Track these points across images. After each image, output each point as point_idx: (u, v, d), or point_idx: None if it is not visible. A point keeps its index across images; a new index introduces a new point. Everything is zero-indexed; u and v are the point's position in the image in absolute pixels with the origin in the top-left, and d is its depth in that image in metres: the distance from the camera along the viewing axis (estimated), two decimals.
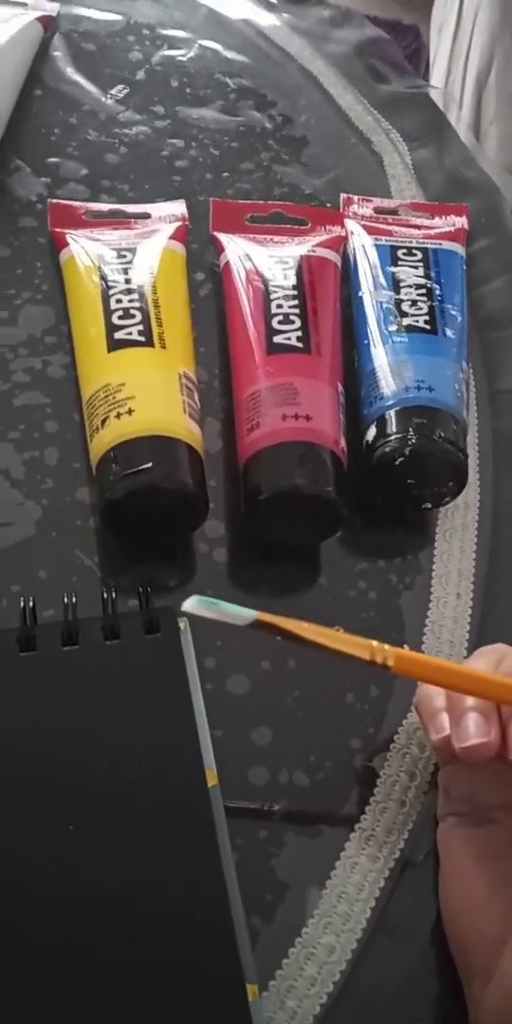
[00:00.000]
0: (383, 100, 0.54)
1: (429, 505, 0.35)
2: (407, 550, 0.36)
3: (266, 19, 0.57)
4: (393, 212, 0.45)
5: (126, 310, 0.35)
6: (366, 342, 0.37)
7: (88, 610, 0.29)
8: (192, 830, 0.26)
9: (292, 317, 0.36)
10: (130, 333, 0.34)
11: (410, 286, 0.39)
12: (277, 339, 0.35)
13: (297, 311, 0.36)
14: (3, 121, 0.44)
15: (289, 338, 0.35)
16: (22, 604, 0.29)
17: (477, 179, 0.50)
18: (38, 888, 0.25)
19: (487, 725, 0.25)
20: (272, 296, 0.37)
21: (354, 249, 0.41)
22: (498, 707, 0.26)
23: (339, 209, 0.44)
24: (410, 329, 0.37)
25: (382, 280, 0.39)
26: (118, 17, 0.54)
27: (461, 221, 0.44)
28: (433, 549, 0.36)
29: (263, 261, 0.39)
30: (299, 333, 0.36)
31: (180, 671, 0.28)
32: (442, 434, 0.33)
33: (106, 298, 0.36)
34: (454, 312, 0.38)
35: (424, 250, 0.41)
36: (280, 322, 0.36)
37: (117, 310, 0.35)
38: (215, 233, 0.41)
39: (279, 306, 0.37)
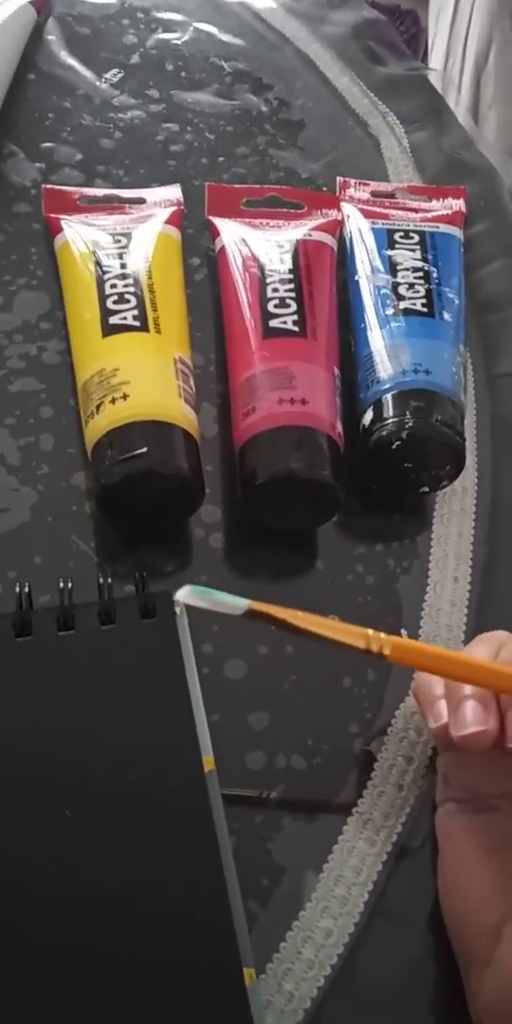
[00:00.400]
0: (380, 83, 0.53)
1: (427, 489, 0.35)
2: (405, 534, 0.36)
3: (262, 1, 0.57)
4: (390, 195, 0.44)
5: (121, 295, 0.35)
6: (363, 326, 0.37)
7: (84, 595, 0.29)
8: (189, 815, 0.26)
9: (288, 301, 0.36)
10: (125, 318, 0.34)
11: (407, 269, 0.39)
12: (273, 323, 0.35)
13: (293, 295, 0.36)
14: None
15: (285, 322, 0.35)
16: (18, 589, 0.29)
17: (475, 162, 0.50)
18: (33, 874, 0.25)
19: (485, 713, 0.25)
20: (268, 280, 0.37)
21: (351, 233, 0.41)
22: (497, 695, 0.26)
23: (336, 193, 0.44)
24: (407, 312, 0.37)
25: (379, 264, 0.39)
26: (112, 0, 0.54)
27: (459, 204, 0.44)
28: (431, 533, 0.36)
29: (259, 245, 0.39)
30: (295, 317, 0.35)
31: (176, 656, 0.28)
32: (439, 417, 0.33)
33: (101, 283, 0.35)
34: (451, 295, 0.38)
35: (421, 233, 0.41)
36: (276, 306, 0.36)
37: (112, 295, 0.35)
38: (211, 218, 0.41)
39: (275, 290, 0.36)
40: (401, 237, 0.40)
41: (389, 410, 0.34)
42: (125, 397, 0.31)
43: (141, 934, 0.24)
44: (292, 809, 0.29)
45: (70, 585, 0.29)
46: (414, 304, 0.37)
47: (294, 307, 0.36)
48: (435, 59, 0.94)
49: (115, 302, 0.35)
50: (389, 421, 0.33)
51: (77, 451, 0.35)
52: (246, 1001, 0.24)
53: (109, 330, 0.34)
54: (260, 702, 0.31)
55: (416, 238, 0.40)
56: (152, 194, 0.42)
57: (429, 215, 0.43)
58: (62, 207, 0.40)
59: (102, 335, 0.34)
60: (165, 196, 0.42)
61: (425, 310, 0.37)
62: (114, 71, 0.50)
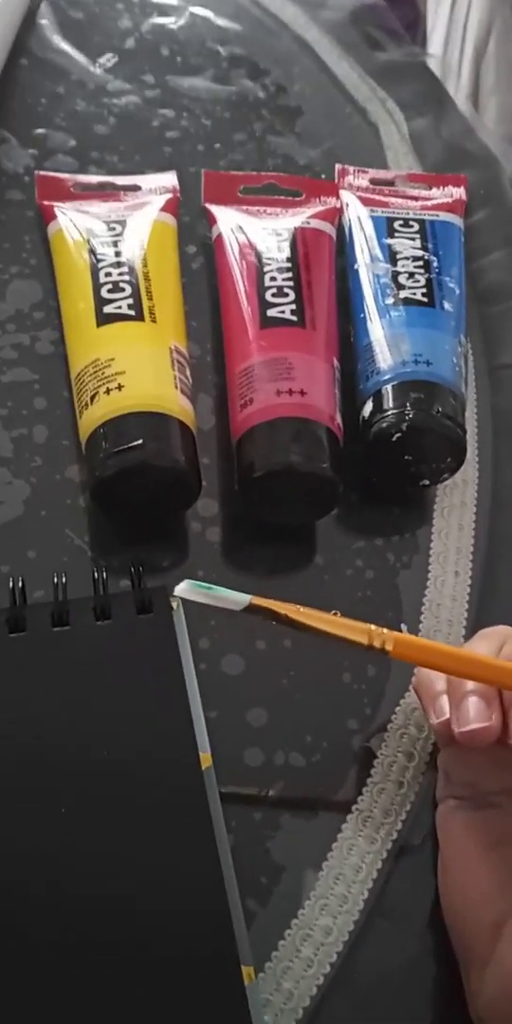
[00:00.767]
0: (379, 69, 0.53)
1: (427, 482, 0.35)
2: (405, 528, 0.35)
3: None
4: (390, 183, 0.44)
5: (116, 283, 0.34)
6: (362, 315, 0.36)
7: (79, 590, 0.29)
8: (186, 813, 0.26)
9: (286, 290, 0.35)
10: (120, 307, 0.33)
11: (407, 258, 0.38)
12: (271, 313, 0.35)
13: (291, 284, 0.36)
14: None
15: (283, 312, 0.35)
16: (11, 584, 0.28)
17: (476, 149, 0.49)
18: (29, 873, 0.24)
19: (488, 709, 0.25)
20: (265, 269, 0.36)
21: (350, 221, 0.40)
22: (499, 691, 0.25)
23: (334, 180, 0.43)
24: (407, 302, 0.36)
25: (378, 252, 0.38)
26: None
27: (459, 192, 0.43)
28: (431, 527, 0.35)
29: (256, 233, 0.38)
30: (293, 307, 0.35)
31: (173, 652, 0.28)
32: (440, 409, 0.33)
33: (95, 272, 0.35)
34: (452, 285, 0.37)
35: (421, 222, 0.40)
36: (274, 295, 0.35)
37: (106, 284, 0.34)
38: (207, 205, 0.40)
39: (273, 279, 0.36)
40: (401, 225, 0.40)
41: (389, 401, 0.33)
42: (120, 387, 0.31)
43: (139, 933, 0.24)
44: (291, 807, 0.29)
45: (64, 580, 0.29)
46: (414, 294, 0.36)
47: (292, 296, 0.35)
48: (434, 46, 0.93)
49: (110, 291, 0.34)
50: (389, 413, 0.33)
51: (71, 443, 0.34)
52: (245, 1000, 0.23)
53: (103, 319, 0.33)
54: (258, 698, 0.30)
55: (416, 226, 0.40)
56: (147, 181, 0.41)
57: (429, 203, 0.42)
58: (56, 194, 0.40)
59: (96, 325, 0.33)
60: (160, 183, 0.41)
61: (425, 300, 0.36)
62: (108, 56, 0.49)
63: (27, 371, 0.36)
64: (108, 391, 0.31)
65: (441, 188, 0.44)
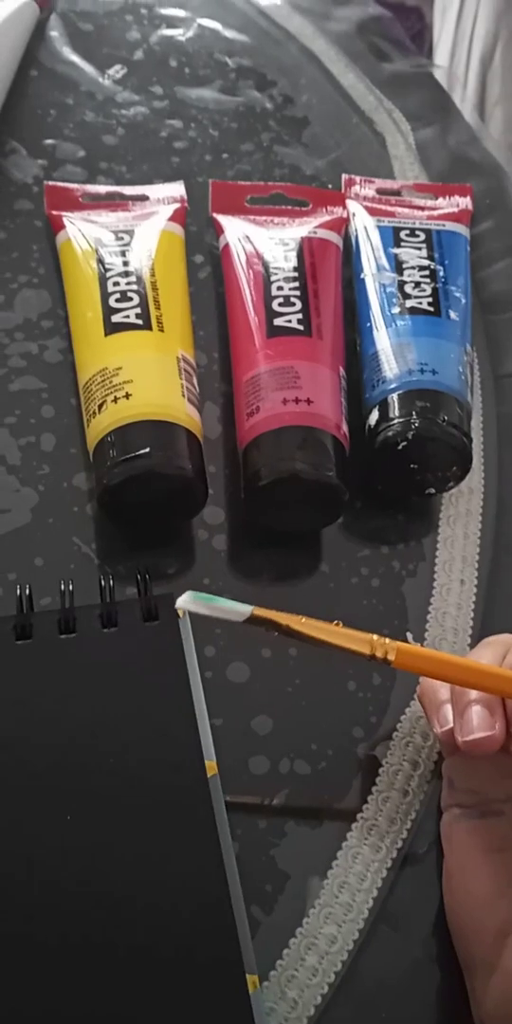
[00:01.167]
0: (386, 79, 0.53)
1: (433, 490, 0.35)
2: (410, 536, 0.35)
3: None
4: (396, 193, 0.44)
5: (123, 293, 0.34)
6: (368, 325, 0.37)
7: (85, 598, 0.29)
8: (192, 820, 0.26)
9: (293, 299, 0.35)
10: (127, 316, 0.34)
11: (413, 268, 0.38)
12: (277, 322, 0.35)
13: (298, 293, 0.36)
14: None
15: (290, 321, 0.35)
16: (18, 592, 0.28)
17: (482, 159, 0.49)
18: (35, 879, 0.24)
19: (491, 718, 0.25)
20: (272, 278, 0.36)
21: (356, 230, 0.41)
22: (503, 700, 0.25)
23: (341, 190, 0.44)
24: (413, 311, 0.36)
25: (384, 262, 0.39)
26: None
27: (465, 202, 0.44)
28: (437, 535, 0.35)
29: (263, 243, 0.38)
30: (300, 316, 0.35)
31: (179, 659, 0.28)
32: (446, 418, 0.33)
33: (103, 281, 0.35)
34: (458, 294, 0.38)
35: (427, 231, 0.40)
36: (280, 304, 0.35)
37: (114, 293, 0.34)
38: (214, 215, 0.41)
39: (280, 288, 0.36)
40: (407, 235, 0.40)
41: (395, 410, 0.33)
42: (128, 396, 0.31)
43: (144, 940, 0.24)
44: (296, 814, 0.29)
45: (71, 587, 0.29)
46: (420, 303, 0.37)
47: (299, 306, 0.35)
48: (440, 56, 0.93)
49: (117, 300, 0.34)
50: (395, 421, 0.33)
51: (78, 451, 0.34)
52: (249, 1009, 0.23)
53: (111, 328, 0.33)
54: (263, 706, 0.30)
55: (422, 236, 0.40)
56: (155, 191, 0.41)
57: (435, 213, 0.42)
58: (64, 204, 0.40)
59: (104, 333, 0.33)
60: (168, 193, 0.41)
61: (431, 309, 0.36)
62: (117, 67, 0.49)
63: (35, 379, 0.36)
64: (116, 400, 0.31)
65: (447, 198, 0.44)
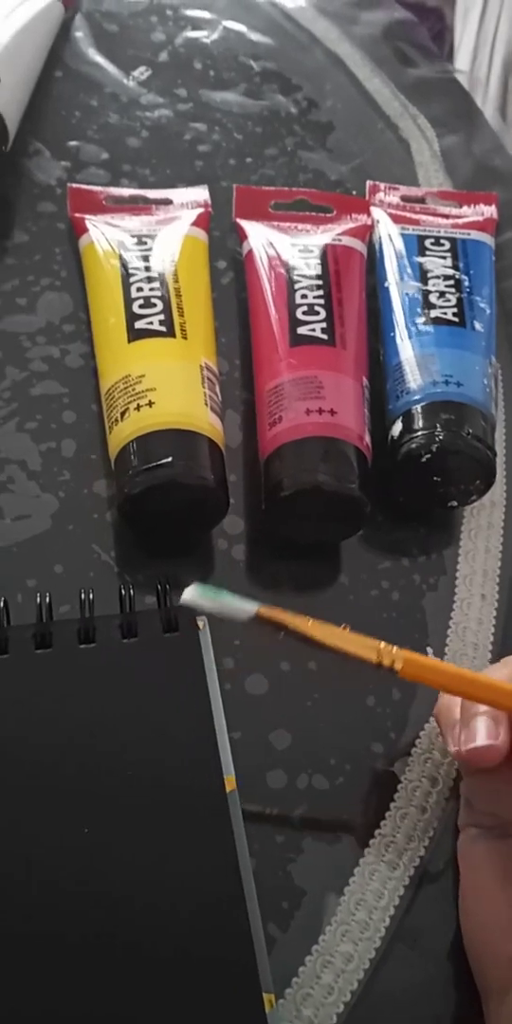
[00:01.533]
0: (411, 85, 0.53)
1: (455, 503, 0.34)
2: (431, 549, 0.35)
3: (292, 0, 0.56)
4: (420, 200, 0.44)
5: (147, 299, 0.34)
6: (392, 334, 0.36)
7: (104, 605, 0.29)
8: (210, 836, 0.25)
9: (317, 308, 0.35)
10: (151, 323, 0.33)
11: (438, 277, 0.38)
12: (301, 331, 0.34)
13: (322, 302, 0.35)
14: (23, 103, 0.44)
15: (313, 330, 0.34)
16: (38, 600, 0.28)
17: (506, 167, 0.49)
18: (51, 893, 0.24)
19: (496, 729, 0.25)
20: (296, 286, 0.36)
21: (380, 238, 0.40)
22: (509, 716, 0.25)
23: (365, 197, 0.43)
24: (437, 321, 0.36)
25: (409, 271, 0.38)
26: None
27: (490, 210, 0.43)
28: (458, 548, 0.35)
29: (287, 250, 0.38)
30: (324, 325, 0.35)
31: (199, 672, 0.28)
32: (470, 431, 0.33)
33: (126, 286, 0.35)
34: (483, 305, 0.37)
35: (452, 240, 0.40)
36: (304, 313, 0.35)
37: (138, 299, 0.34)
38: (238, 220, 0.41)
39: (303, 296, 0.36)
40: (432, 244, 0.39)
41: (419, 422, 0.33)
42: (151, 404, 0.31)
43: (161, 956, 0.24)
44: (313, 830, 0.28)
45: (92, 596, 0.29)
46: (445, 313, 0.36)
47: (323, 315, 0.35)
48: (461, 58, 0.93)
49: (141, 306, 0.34)
50: (419, 433, 0.33)
51: (99, 457, 0.34)
52: None
53: (135, 335, 0.33)
54: (282, 719, 0.30)
55: (447, 245, 0.39)
56: (179, 195, 0.41)
57: (460, 221, 0.42)
58: (87, 207, 0.40)
59: (128, 340, 0.33)
60: (192, 197, 0.41)
61: (456, 320, 0.36)
62: (142, 69, 0.49)
63: (57, 384, 0.36)
64: (138, 408, 0.31)
65: (472, 206, 0.43)
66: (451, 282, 0.38)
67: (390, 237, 0.40)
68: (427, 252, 0.39)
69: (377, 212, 0.42)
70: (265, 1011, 0.23)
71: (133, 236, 0.37)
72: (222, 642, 0.30)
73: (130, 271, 0.35)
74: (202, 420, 0.31)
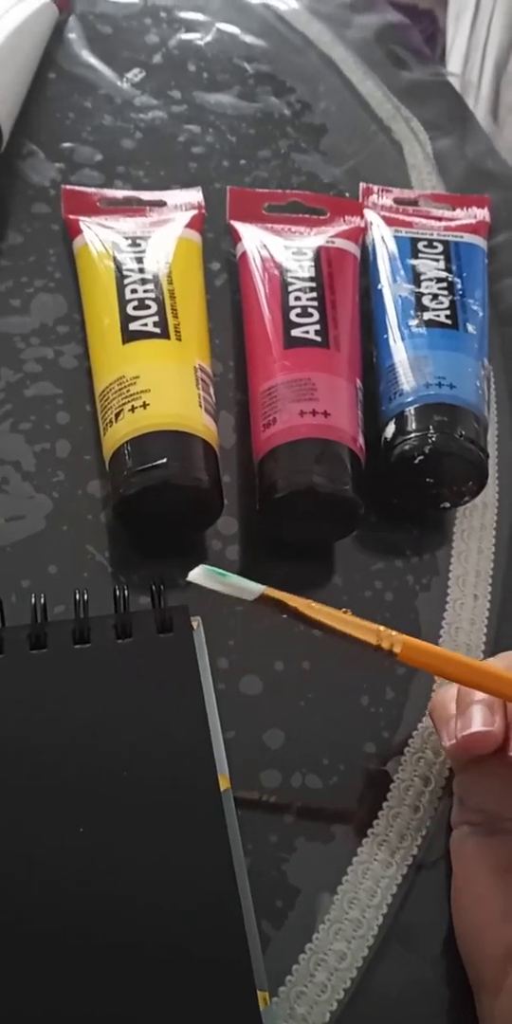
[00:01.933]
0: (404, 88, 0.53)
1: (448, 504, 0.35)
2: (424, 550, 0.35)
3: (286, 3, 0.56)
4: (413, 203, 0.44)
5: (141, 300, 0.34)
6: (385, 336, 0.37)
7: (99, 606, 0.29)
8: (204, 835, 0.25)
9: (310, 310, 0.35)
10: (145, 324, 0.33)
11: (431, 279, 0.38)
12: (295, 332, 0.35)
13: (315, 304, 0.36)
14: (17, 105, 0.44)
15: (307, 332, 0.35)
16: (33, 601, 0.28)
17: (499, 170, 0.49)
18: (44, 892, 0.24)
19: (491, 716, 0.25)
20: (290, 288, 0.36)
21: (373, 240, 0.41)
22: (505, 704, 0.25)
23: (358, 199, 0.43)
24: (430, 324, 0.36)
25: (402, 273, 0.38)
26: None
27: (483, 213, 0.43)
28: (451, 549, 0.35)
29: (280, 252, 0.38)
30: (317, 327, 0.35)
31: (193, 672, 0.28)
32: (463, 432, 0.33)
33: (121, 288, 0.35)
34: (476, 307, 0.37)
35: (445, 242, 0.40)
36: (298, 315, 0.35)
37: (132, 300, 0.34)
38: (232, 222, 0.41)
39: (297, 298, 0.36)
40: (425, 246, 0.40)
41: (412, 424, 0.33)
42: (145, 406, 0.31)
43: (155, 953, 0.24)
44: (307, 829, 0.28)
45: (86, 597, 0.29)
46: (437, 315, 0.36)
47: (316, 316, 0.35)
48: (453, 61, 0.93)
49: (135, 308, 0.34)
50: (412, 435, 0.33)
51: (93, 458, 0.34)
52: None
53: (129, 336, 0.33)
54: (276, 719, 0.30)
55: (440, 247, 0.40)
56: (173, 196, 0.41)
57: (453, 224, 0.42)
58: (81, 208, 0.40)
59: (122, 341, 0.33)
60: (186, 199, 0.41)
61: (449, 322, 0.36)
62: (136, 71, 0.49)
63: (51, 385, 0.36)
64: (133, 409, 0.31)
65: (465, 209, 0.44)
66: (444, 284, 0.38)
67: (383, 239, 0.40)
68: (420, 254, 0.39)
69: (370, 214, 0.42)
70: (259, 1009, 0.24)
71: (127, 238, 0.38)
72: (216, 643, 0.30)
73: (124, 273, 0.36)
74: (196, 421, 0.31)
